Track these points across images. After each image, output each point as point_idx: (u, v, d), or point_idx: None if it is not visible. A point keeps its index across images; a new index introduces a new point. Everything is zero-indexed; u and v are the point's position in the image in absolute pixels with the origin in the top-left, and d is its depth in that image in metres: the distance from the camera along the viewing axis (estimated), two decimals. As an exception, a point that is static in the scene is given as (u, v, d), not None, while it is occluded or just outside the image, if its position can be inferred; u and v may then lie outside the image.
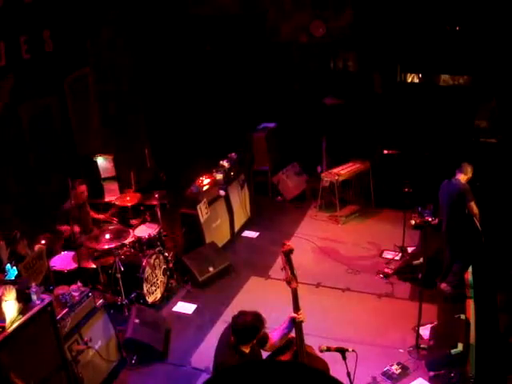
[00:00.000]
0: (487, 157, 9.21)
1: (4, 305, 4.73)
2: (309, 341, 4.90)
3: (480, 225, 7.11)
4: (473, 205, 7.04)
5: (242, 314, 4.66)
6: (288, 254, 4.92)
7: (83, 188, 7.84)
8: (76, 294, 5.84)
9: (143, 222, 8.31)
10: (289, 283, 4.86)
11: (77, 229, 7.47)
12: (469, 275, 7.69)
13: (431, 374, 6.08)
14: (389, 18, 9.58)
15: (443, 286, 7.48)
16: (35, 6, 8.05)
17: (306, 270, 7.99)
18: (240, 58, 11.18)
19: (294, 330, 4.82)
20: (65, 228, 7.71)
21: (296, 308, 4.83)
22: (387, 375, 6.14)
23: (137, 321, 6.66)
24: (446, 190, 7.28)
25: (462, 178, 7.19)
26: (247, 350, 4.62)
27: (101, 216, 8.23)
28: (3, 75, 7.70)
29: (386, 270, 8.25)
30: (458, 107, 9.73)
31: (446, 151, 9.46)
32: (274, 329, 4.97)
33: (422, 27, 9.48)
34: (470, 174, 7.22)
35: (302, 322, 4.80)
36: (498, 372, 6.08)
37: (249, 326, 4.55)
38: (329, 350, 4.68)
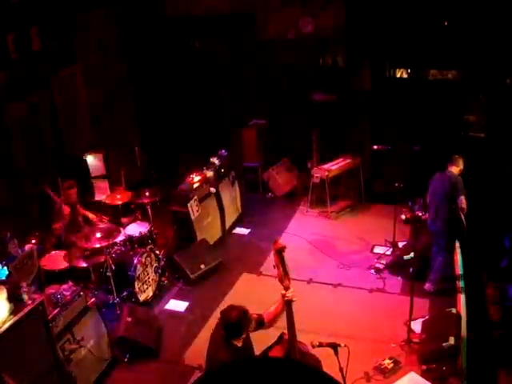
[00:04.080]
0: (476, 151, 9.25)
1: (-5, 305, 4.72)
2: (301, 336, 4.90)
3: (465, 220, 7.09)
4: (463, 198, 7.02)
5: (229, 308, 4.68)
6: (280, 251, 4.90)
7: (72, 191, 7.82)
8: (67, 293, 5.82)
9: (134, 220, 8.30)
10: (281, 281, 4.85)
11: (64, 228, 7.45)
12: (459, 269, 7.72)
13: (423, 367, 6.10)
14: (377, 13, 9.59)
15: (427, 286, 7.45)
16: (22, 5, 8.00)
17: (298, 266, 7.99)
18: (230, 55, 11.17)
19: (285, 330, 4.83)
20: (55, 228, 7.71)
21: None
22: (379, 370, 6.16)
23: (129, 319, 6.65)
24: (439, 181, 7.25)
25: (455, 169, 7.20)
26: (239, 344, 4.64)
27: (91, 214, 8.22)
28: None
29: (377, 265, 8.28)
30: (447, 102, 9.76)
31: (435, 146, 9.49)
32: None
33: (410, 22, 9.50)
34: (461, 166, 7.21)
35: (291, 300, 4.78)
36: (489, 364, 6.12)
37: (234, 321, 4.55)
38: (321, 345, 4.69)
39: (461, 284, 7.45)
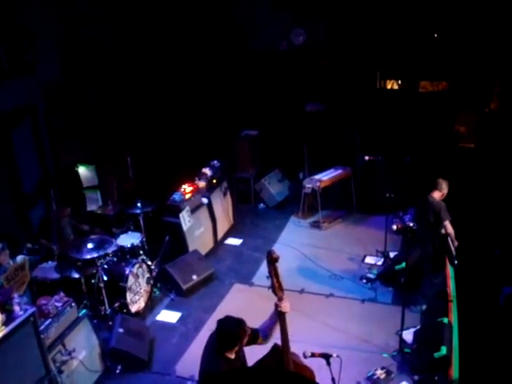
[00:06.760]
0: (466, 161, 9.33)
1: (-14, 316, 4.70)
2: (293, 347, 4.89)
3: (454, 246, 6.95)
4: (447, 224, 6.92)
5: (225, 319, 4.67)
6: (274, 262, 4.91)
7: (66, 212, 7.84)
8: (59, 304, 5.81)
9: (126, 230, 8.29)
10: (275, 292, 4.86)
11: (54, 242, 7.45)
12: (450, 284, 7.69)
13: (415, 377, 6.12)
14: (368, 25, 9.68)
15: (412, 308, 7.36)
16: (15, 16, 8.03)
17: (290, 276, 8.01)
18: (221, 67, 11.21)
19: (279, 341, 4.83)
20: (44, 241, 7.68)
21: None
22: (372, 380, 6.16)
23: (121, 330, 6.63)
24: (421, 208, 7.21)
25: (437, 194, 7.08)
26: (232, 356, 4.62)
27: (84, 227, 8.22)
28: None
29: (368, 275, 8.30)
30: (437, 113, 9.84)
31: (426, 156, 9.55)
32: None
33: (400, 34, 9.60)
34: (445, 190, 7.08)
35: (285, 312, 4.79)
36: (481, 374, 6.14)
37: (230, 331, 4.55)
38: (313, 355, 4.69)
39: (452, 293, 7.46)
